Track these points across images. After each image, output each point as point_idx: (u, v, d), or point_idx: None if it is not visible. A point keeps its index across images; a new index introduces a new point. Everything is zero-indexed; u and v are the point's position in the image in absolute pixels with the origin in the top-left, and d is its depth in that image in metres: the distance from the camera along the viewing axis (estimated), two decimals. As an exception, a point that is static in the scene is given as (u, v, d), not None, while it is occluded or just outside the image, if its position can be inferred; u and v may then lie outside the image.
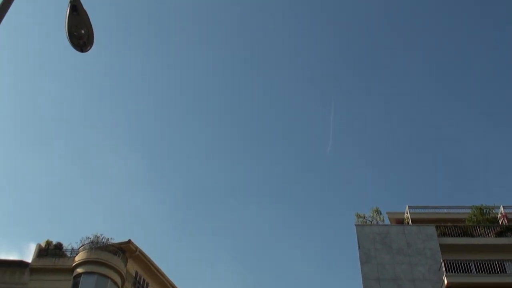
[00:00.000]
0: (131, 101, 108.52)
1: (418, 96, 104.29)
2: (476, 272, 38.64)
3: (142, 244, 51.26)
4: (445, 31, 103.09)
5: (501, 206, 44.82)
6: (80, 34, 9.30)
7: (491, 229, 42.04)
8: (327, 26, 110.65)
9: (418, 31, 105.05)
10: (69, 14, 9.01)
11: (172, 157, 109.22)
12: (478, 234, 41.76)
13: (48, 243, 45.88)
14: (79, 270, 43.25)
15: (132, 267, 45.95)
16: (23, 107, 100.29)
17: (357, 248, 41.41)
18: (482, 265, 38.88)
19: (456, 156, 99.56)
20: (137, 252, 46.00)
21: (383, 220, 44.77)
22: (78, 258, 43.88)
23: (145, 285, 47.31)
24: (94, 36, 9.49)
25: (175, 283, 49.23)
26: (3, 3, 8.54)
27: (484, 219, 43.31)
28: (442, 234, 41.92)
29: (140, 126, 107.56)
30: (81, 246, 44.98)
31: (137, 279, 46.42)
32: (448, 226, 42.50)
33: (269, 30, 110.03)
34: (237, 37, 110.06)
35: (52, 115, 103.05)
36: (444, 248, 40.58)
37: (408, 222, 45.02)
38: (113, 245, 45.35)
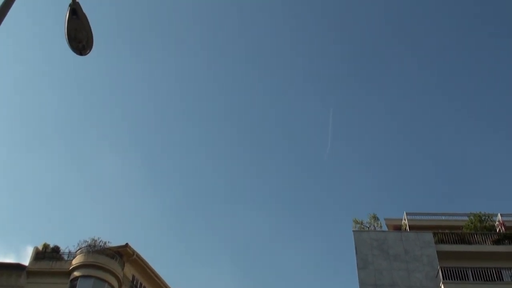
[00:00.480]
0: (131, 103, 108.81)
1: (417, 102, 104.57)
2: (473, 279, 38.55)
3: (140, 247, 51.32)
4: (445, 34, 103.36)
5: (499, 214, 44.97)
6: (80, 37, 9.29)
7: (489, 236, 42.00)
8: (328, 31, 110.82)
9: (418, 34, 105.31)
10: (68, 17, 9.02)
11: (171, 159, 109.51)
12: (476, 241, 41.72)
13: (45, 246, 45.85)
14: (76, 273, 43.19)
15: (129, 271, 45.89)
16: (22, 109, 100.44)
17: (355, 253, 41.36)
18: (479, 272, 38.82)
19: (455, 164, 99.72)
20: (134, 256, 45.90)
21: (381, 226, 44.78)
22: (75, 262, 43.84)
23: (142, 289, 47.34)
24: (94, 39, 9.46)
25: (172, 286, 49.21)
26: (3, 4, 8.55)
27: (482, 227, 43.25)
28: (440, 241, 41.88)
29: (139, 128, 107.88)
30: (78, 250, 44.95)
31: (134, 283, 46.32)
32: (445, 233, 42.52)
33: (269, 34, 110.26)
34: (238, 38, 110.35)
35: (51, 117, 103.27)
36: (442, 255, 40.55)
37: (405, 228, 45.01)
38: (110, 248, 45.34)
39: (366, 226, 44.32)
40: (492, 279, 38.55)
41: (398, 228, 45.53)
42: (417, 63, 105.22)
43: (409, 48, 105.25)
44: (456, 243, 41.82)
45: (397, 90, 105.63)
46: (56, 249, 45.93)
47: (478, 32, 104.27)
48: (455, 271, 39.00)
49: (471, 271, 38.97)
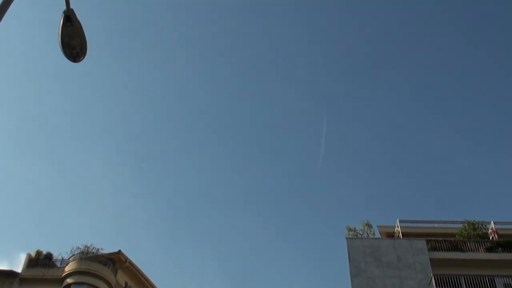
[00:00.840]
0: (118, 108, 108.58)
1: (411, 110, 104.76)
2: (466, 287, 38.41)
3: (133, 253, 51.19)
4: (438, 41, 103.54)
5: (492, 222, 45.01)
6: (73, 44, 9.30)
7: (482, 244, 41.90)
8: (319, 37, 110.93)
9: (411, 40, 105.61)
10: (62, 24, 9.06)
11: (161, 165, 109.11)
12: (469, 249, 41.58)
13: (38, 253, 45.83)
14: (68, 280, 43.20)
15: (122, 278, 45.87)
16: (9, 113, 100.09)
17: (348, 261, 41.17)
18: (472, 280, 38.73)
19: (448, 171, 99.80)
20: (127, 263, 45.94)
21: (374, 233, 44.68)
22: (68, 269, 43.83)
23: (134, 296, 47.27)
24: (87, 46, 9.48)
25: (165, 294, 49.24)
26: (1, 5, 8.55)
27: (475, 234, 43.24)
28: (433, 249, 41.71)
29: (128, 134, 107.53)
30: (71, 256, 44.97)
31: (127, 289, 46.35)
32: (438, 241, 42.38)
33: (259, 44, 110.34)
34: (225, 44, 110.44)
35: (40, 122, 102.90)
36: (434, 263, 40.42)
37: (398, 236, 44.93)
38: (103, 255, 45.38)
39: (359, 234, 44.21)
40: (485, 287, 38.42)
41: (391, 235, 45.54)
42: (410, 70, 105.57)
43: (402, 54, 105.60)
44: (449, 250, 41.65)
45: (390, 97, 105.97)
46: (49, 256, 45.93)
47: (470, 40, 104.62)
48: (448, 278, 38.84)
49: (464, 279, 38.85)
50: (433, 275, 39.08)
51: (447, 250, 41.74)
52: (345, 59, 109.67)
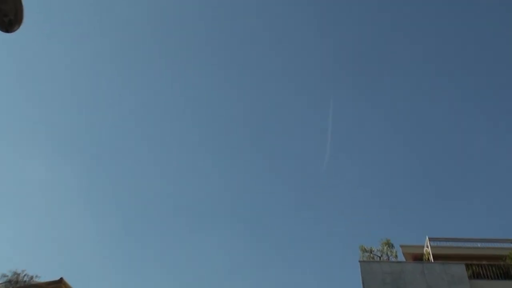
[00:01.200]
0: (60, 96, 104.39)
1: (438, 98, 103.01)
2: (518, 324, 35.14)
3: (78, 281, 47.57)
4: (445, 35, 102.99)
5: (555, 241, 41.66)
6: (5, 10, 8.50)
7: (541, 271, 38.68)
8: (326, 30, 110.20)
9: (417, 33, 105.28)
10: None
11: (116, 168, 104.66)
12: (524, 277, 38.59)
13: None
14: (-9, 321, 39.26)
15: (64, 315, 42.12)
16: None
17: (362, 290, 37.94)
18: (528, 317, 35.40)
19: (492, 175, 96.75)
20: (71, 295, 42.05)
21: (396, 255, 42.22)
22: (-11, 305, 39.90)
23: (80, 338, 43.74)
24: (24, 14, 8.76)
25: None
26: None
27: (532, 258, 39.92)
28: (475, 276, 38.98)
29: (73, 128, 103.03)
30: (-5, 287, 41.10)
31: (70, 330, 42.46)
32: (482, 265, 39.64)
33: (258, 38, 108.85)
34: (218, 33, 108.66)
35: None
36: (478, 294, 37.07)
37: (428, 258, 42.79)
38: (38, 285, 41.43)
39: (377, 255, 42.03)
40: (542, 324, 35.25)
41: (418, 257, 43.54)
42: (422, 67, 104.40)
43: (405, 62, 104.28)
44: (497, 278, 39.17)
45: (415, 82, 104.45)
46: (-38, 287, 42.23)
47: (475, 34, 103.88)
48: (497, 315, 35.49)
49: (519, 316, 35.65)
50: (477, 310, 35.64)
51: (493, 278, 39.27)
52: (353, 55, 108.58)
